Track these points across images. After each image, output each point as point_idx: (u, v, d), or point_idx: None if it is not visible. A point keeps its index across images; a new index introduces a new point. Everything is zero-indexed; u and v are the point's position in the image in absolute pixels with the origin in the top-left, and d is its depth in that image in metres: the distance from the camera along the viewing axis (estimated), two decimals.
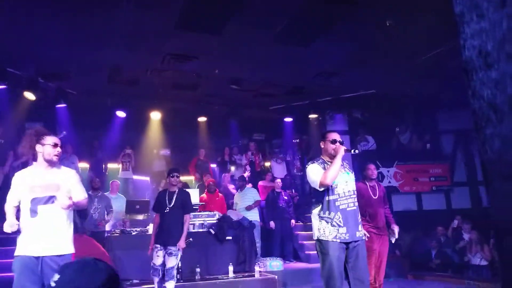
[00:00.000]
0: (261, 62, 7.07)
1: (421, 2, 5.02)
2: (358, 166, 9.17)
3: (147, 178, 10.10)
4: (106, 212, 6.78)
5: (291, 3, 5.17)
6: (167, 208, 5.07)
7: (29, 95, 7.46)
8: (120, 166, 9.35)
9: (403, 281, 4.49)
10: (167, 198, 5.17)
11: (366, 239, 3.68)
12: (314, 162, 3.57)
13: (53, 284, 1.19)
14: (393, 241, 5.03)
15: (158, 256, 5.01)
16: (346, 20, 5.53)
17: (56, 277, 1.21)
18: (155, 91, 8.31)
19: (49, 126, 8.31)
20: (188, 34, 5.81)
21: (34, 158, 3.10)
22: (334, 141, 3.55)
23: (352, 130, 9.50)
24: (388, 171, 9.26)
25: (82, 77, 7.61)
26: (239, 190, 8.00)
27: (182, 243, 5.04)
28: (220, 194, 8.09)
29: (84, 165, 9.12)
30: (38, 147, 2.96)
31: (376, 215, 4.90)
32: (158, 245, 5.04)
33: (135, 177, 9.56)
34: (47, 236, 2.87)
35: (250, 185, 8.29)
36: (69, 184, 3.05)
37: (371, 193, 4.95)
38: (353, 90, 8.47)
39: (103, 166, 9.42)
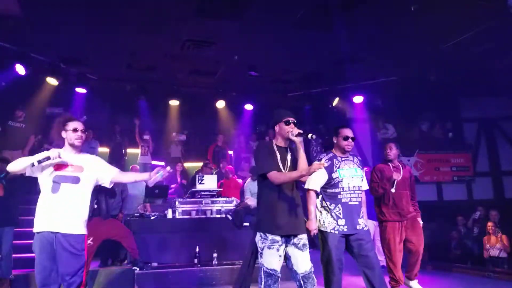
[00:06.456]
0: (279, 48, 6.99)
1: None
2: (378, 155, 9.05)
3: (163, 163, 10.13)
4: (121, 198, 6.68)
5: None
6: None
7: (52, 80, 7.59)
8: (139, 151, 9.41)
9: (422, 272, 4.41)
10: (279, 158, 3.07)
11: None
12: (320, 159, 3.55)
13: None
14: None
15: (280, 256, 3.04)
16: (368, 3, 5.39)
17: None
18: (173, 77, 8.31)
19: (68, 111, 8.49)
20: (208, 20, 5.77)
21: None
22: (346, 138, 3.58)
23: (372, 118, 9.32)
24: (408, 160, 9.10)
25: (102, 63, 7.67)
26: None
27: (313, 225, 3.35)
28: (239, 180, 8.07)
29: (104, 149, 9.22)
30: (63, 133, 3.18)
31: (401, 199, 4.41)
32: (278, 238, 3.00)
33: (153, 162, 9.62)
34: (64, 214, 3.00)
35: None
36: (94, 167, 3.23)
37: (394, 174, 4.44)
38: (373, 76, 8.30)
39: (123, 151, 9.49)
